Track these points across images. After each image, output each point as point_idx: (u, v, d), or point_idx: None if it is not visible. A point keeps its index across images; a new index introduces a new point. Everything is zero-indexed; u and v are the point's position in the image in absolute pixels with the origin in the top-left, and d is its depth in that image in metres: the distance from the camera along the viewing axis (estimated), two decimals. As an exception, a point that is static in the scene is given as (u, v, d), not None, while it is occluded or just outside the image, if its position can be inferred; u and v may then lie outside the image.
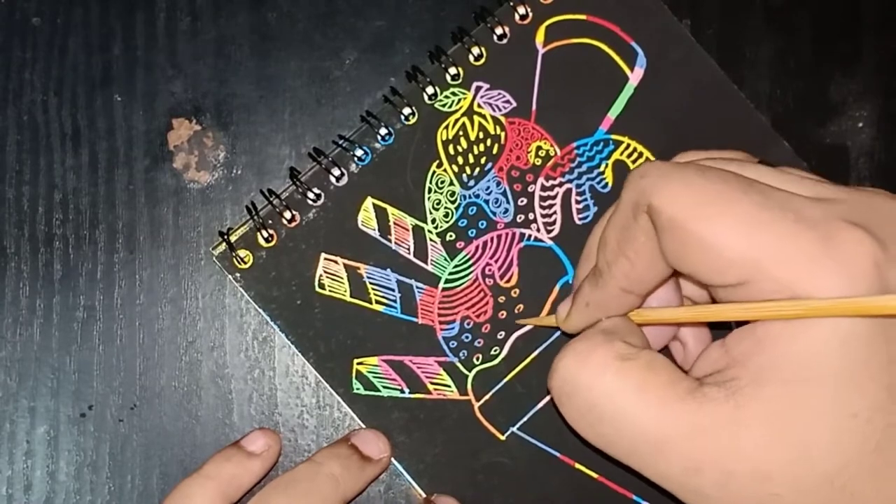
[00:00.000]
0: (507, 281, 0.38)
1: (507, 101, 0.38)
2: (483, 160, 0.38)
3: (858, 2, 0.40)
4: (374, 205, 0.38)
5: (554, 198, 0.38)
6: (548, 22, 0.38)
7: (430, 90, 0.38)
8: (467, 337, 0.38)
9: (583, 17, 0.38)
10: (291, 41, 0.40)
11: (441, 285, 0.38)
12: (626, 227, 0.28)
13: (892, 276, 0.24)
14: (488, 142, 0.38)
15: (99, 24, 0.40)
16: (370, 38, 0.40)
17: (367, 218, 0.38)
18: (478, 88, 0.38)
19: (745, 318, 0.26)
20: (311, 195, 0.37)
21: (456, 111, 0.38)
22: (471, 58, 0.38)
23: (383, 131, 0.38)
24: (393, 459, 0.37)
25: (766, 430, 0.25)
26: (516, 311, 0.38)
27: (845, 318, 0.24)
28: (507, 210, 0.38)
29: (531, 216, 0.38)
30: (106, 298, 0.39)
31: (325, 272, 0.37)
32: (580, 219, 0.38)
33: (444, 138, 0.38)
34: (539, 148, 0.38)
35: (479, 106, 0.38)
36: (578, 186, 0.38)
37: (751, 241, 0.25)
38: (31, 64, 0.39)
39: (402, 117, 0.38)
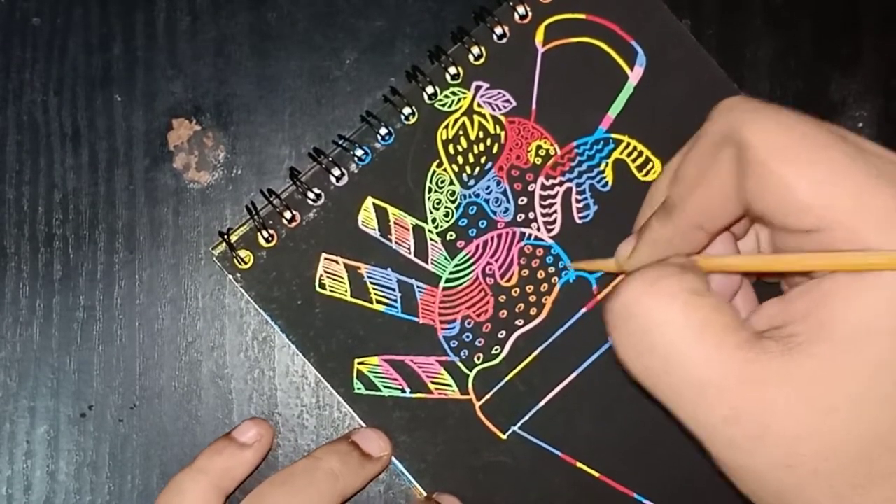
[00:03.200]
0: (508, 280, 0.38)
1: (507, 101, 0.38)
2: (483, 159, 0.38)
3: (858, 2, 0.40)
4: (375, 204, 0.38)
5: (554, 197, 0.38)
6: (547, 21, 0.38)
7: (430, 90, 0.38)
8: (468, 336, 0.37)
9: (582, 16, 0.38)
10: (291, 41, 0.40)
11: (442, 285, 0.38)
12: (706, 159, 0.27)
13: None
14: (488, 141, 0.38)
15: (99, 24, 0.40)
16: (370, 38, 0.40)
17: (367, 218, 0.38)
18: (478, 88, 0.38)
19: (816, 268, 0.26)
20: (311, 195, 0.37)
21: (456, 111, 0.38)
22: (471, 57, 0.38)
23: (383, 131, 0.38)
24: (394, 459, 0.37)
25: (813, 386, 0.24)
26: (517, 311, 0.38)
27: None
28: (507, 209, 0.38)
29: (531, 215, 0.38)
30: (106, 298, 0.39)
31: (326, 272, 0.37)
32: (580, 217, 0.38)
33: (444, 138, 0.38)
34: (539, 147, 0.38)
35: (479, 105, 0.38)
36: (579, 185, 0.38)
37: (834, 188, 0.24)
38: (31, 64, 0.39)
39: (402, 117, 0.38)
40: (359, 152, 0.37)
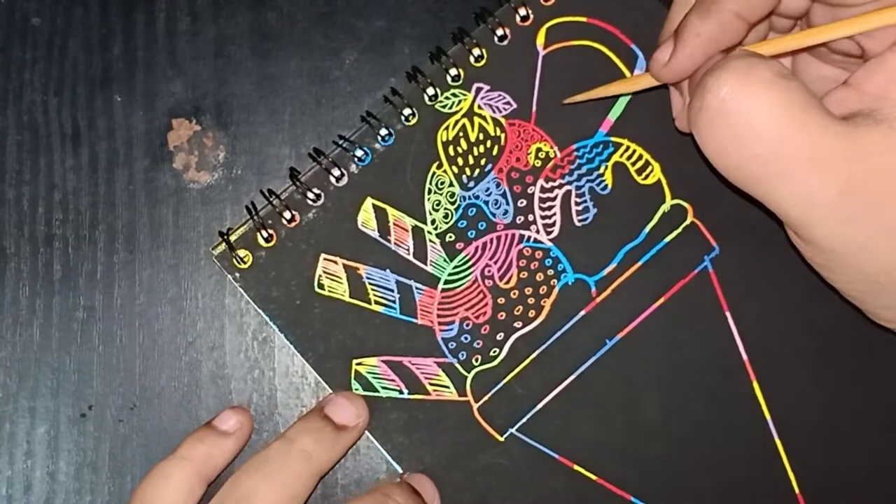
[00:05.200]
0: (507, 282, 0.38)
1: (508, 103, 0.38)
2: (483, 161, 0.38)
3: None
4: (374, 205, 0.38)
5: (553, 199, 0.38)
6: (549, 24, 0.38)
7: (430, 91, 0.38)
8: (466, 338, 0.38)
9: (584, 19, 0.38)
10: (291, 41, 0.40)
11: (440, 286, 0.38)
12: None
13: None
14: (488, 143, 0.38)
15: (99, 24, 0.40)
16: (370, 38, 0.40)
17: (366, 218, 0.38)
18: (478, 90, 0.38)
19: (879, 26, 0.26)
20: (310, 195, 0.37)
21: (456, 112, 0.38)
22: (471, 59, 0.38)
23: (383, 132, 0.37)
24: (390, 458, 0.37)
25: None
26: (515, 313, 0.38)
27: None
28: (506, 211, 0.38)
29: (531, 217, 0.38)
30: (106, 298, 0.39)
31: (325, 272, 0.37)
32: (580, 220, 0.38)
33: (444, 139, 0.38)
34: (539, 149, 0.38)
35: (480, 107, 0.38)
36: (578, 188, 0.38)
37: None
38: (31, 64, 0.39)
39: (403, 118, 0.38)
40: (359, 153, 0.37)
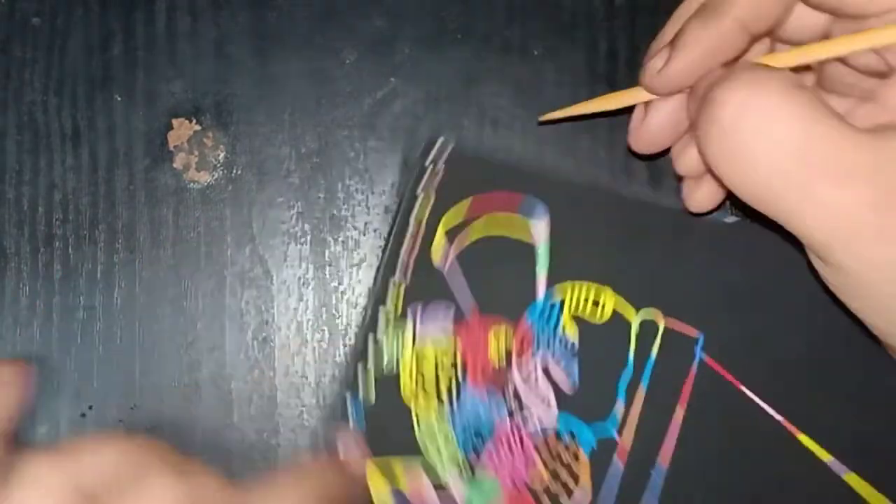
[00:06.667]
0: (536, 473, 0.37)
1: (446, 311, 0.37)
2: (452, 380, 0.37)
3: (858, 2, 0.40)
4: (376, 467, 0.37)
5: (535, 380, 0.37)
6: (442, 227, 0.37)
7: (372, 352, 0.37)
8: None
9: (468, 201, 0.37)
10: (291, 41, 0.40)
11: None
12: None
13: None
14: (446, 360, 0.37)
15: (99, 24, 0.40)
16: (370, 38, 0.40)
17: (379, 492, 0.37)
18: (414, 314, 0.37)
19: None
20: None
21: (405, 350, 0.37)
22: (393, 291, 0.37)
23: (352, 410, 0.37)
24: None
25: None
26: (560, 496, 0.37)
27: None
28: (500, 409, 0.37)
29: (524, 404, 0.37)
30: (106, 298, 0.39)
31: None
32: (570, 385, 0.37)
33: (409, 387, 0.37)
34: (496, 339, 0.37)
35: (423, 332, 0.37)
36: (552, 358, 0.37)
37: None
38: (31, 64, 0.39)
39: (361, 398, 0.37)
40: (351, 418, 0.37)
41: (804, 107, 0.24)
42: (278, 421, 0.38)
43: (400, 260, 0.37)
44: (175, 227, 0.39)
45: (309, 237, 0.39)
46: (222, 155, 0.39)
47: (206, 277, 0.39)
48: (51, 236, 0.39)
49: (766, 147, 0.24)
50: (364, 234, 0.39)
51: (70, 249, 0.39)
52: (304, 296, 0.39)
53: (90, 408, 0.38)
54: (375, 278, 0.38)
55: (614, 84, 0.39)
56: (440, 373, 0.37)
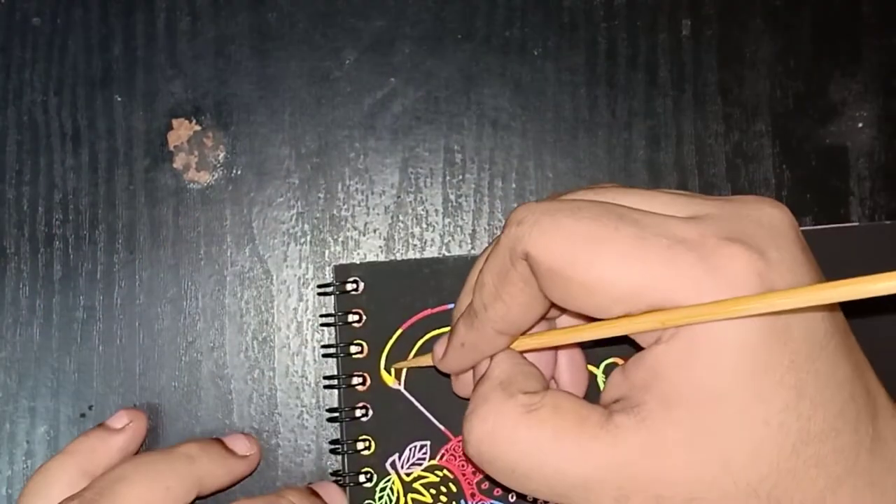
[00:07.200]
0: None
1: (423, 445, 0.37)
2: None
3: (858, 2, 0.40)
4: None
5: None
6: (384, 354, 0.37)
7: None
8: None
9: (399, 331, 0.37)
10: (291, 41, 0.40)
11: None
12: (503, 272, 0.28)
13: (776, 280, 0.24)
14: (442, 488, 0.37)
15: (99, 24, 0.40)
16: (370, 38, 0.40)
17: None
18: (393, 459, 0.37)
19: (628, 332, 0.26)
20: None
21: (398, 498, 0.37)
22: (363, 449, 0.37)
23: None
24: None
25: (683, 451, 0.25)
26: None
27: (733, 328, 0.24)
28: None
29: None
30: (106, 298, 0.39)
31: None
32: None
33: None
34: None
35: (408, 473, 0.36)
36: None
37: (631, 276, 0.25)
38: (31, 64, 0.39)
39: None
40: None
41: (535, 432, 0.27)
42: (278, 421, 0.38)
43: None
44: (175, 228, 0.39)
45: (309, 237, 0.39)
46: (222, 155, 0.39)
47: (206, 277, 0.39)
48: (51, 236, 0.39)
49: (516, 478, 0.27)
50: (364, 235, 0.39)
51: (70, 249, 0.39)
52: (304, 296, 0.39)
53: (90, 408, 0.38)
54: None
55: (614, 84, 0.40)
56: (441, 499, 0.37)
